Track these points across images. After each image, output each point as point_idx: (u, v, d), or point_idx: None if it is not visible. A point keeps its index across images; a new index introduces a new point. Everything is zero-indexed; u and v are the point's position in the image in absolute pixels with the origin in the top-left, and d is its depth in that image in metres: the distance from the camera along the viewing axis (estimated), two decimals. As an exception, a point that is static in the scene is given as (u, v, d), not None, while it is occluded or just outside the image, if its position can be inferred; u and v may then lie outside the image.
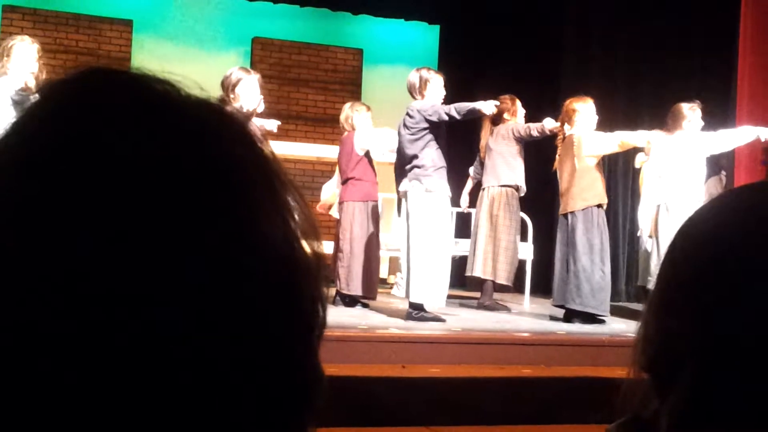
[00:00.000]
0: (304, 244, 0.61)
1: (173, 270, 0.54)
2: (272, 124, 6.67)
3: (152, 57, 10.52)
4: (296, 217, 0.61)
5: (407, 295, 6.68)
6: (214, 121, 0.60)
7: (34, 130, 0.58)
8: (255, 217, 0.58)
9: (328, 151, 10.30)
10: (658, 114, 8.78)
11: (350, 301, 7.36)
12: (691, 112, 7.11)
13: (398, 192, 6.90)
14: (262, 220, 0.58)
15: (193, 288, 0.55)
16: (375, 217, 7.52)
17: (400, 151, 6.81)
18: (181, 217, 0.55)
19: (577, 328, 6.72)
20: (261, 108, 6.25)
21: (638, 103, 9.72)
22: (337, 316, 6.27)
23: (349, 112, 7.74)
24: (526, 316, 7.53)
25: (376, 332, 5.98)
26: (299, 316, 0.60)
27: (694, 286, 0.78)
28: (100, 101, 0.58)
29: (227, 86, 6.19)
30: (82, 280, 0.53)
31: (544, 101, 9.23)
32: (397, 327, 6.26)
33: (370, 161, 7.57)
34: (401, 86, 10.91)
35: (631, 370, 0.82)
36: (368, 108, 7.77)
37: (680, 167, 6.99)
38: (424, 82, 6.87)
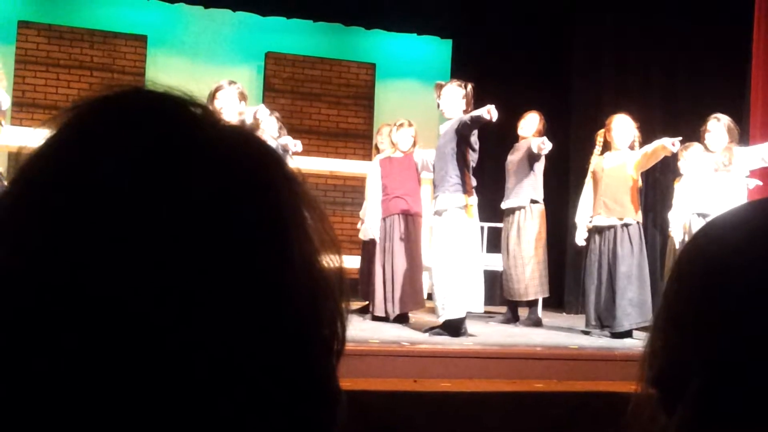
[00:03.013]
0: (326, 260, 0.63)
1: (200, 286, 0.56)
2: (296, 145, 6.71)
3: (166, 72, 10.56)
4: (320, 234, 0.62)
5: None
6: (244, 143, 0.62)
7: (74, 146, 0.59)
8: (281, 235, 0.60)
9: (341, 166, 10.31)
10: (671, 128, 8.77)
11: None
12: (712, 124, 7.05)
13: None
14: (288, 238, 0.60)
15: (217, 304, 0.56)
16: None
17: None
18: (210, 233, 0.56)
19: (590, 342, 6.71)
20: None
21: (651, 119, 9.71)
22: (348, 330, 6.26)
23: (391, 127, 7.85)
24: (538, 330, 7.51)
25: (387, 346, 5.97)
26: (320, 334, 0.61)
27: (700, 301, 0.77)
28: (139, 123, 0.60)
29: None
30: (126, 288, 0.54)
31: (556, 116, 9.24)
32: (408, 341, 6.26)
33: None
34: (414, 100, 10.98)
35: (639, 385, 0.82)
36: (410, 123, 7.77)
37: (708, 180, 6.92)
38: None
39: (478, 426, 5.00)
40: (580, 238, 7.36)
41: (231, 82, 6.25)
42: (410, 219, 7.46)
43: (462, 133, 6.63)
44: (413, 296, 7.34)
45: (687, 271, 0.80)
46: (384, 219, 7.55)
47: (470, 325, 6.71)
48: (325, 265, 0.62)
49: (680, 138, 6.81)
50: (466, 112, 6.79)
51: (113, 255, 0.54)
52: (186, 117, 0.61)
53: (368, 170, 8.14)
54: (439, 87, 6.93)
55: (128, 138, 0.58)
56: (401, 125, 7.71)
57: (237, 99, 6.18)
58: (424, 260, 7.49)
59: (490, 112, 6.37)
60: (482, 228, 8.59)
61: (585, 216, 7.33)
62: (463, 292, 6.53)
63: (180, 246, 0.55)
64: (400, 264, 7.35)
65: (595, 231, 7.16)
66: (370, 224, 7.76)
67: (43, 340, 0.54)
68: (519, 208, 7.73)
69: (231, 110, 6.07)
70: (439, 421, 4.98)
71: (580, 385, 5.57)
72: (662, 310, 0.82)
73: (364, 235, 8.00)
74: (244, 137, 0.62)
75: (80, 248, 0.54)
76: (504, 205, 7.84)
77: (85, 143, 0.59)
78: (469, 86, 6.90)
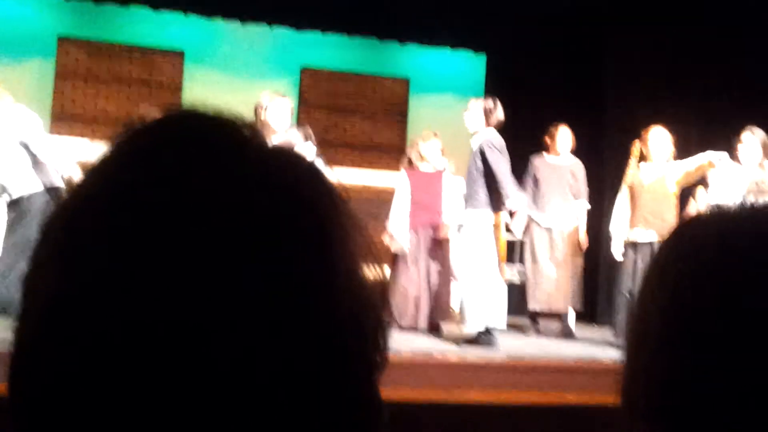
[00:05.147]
0: (369, 274, 0.65)
1: (245, 303, 0.57)
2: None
3: (203, 87, 10.67)
4: (362, 249, 0.64)
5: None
6: (291, 164, 0.64)
7: (132, 164, 0.61)
8: (326, 252, 0.61)
9: (375, 179, 10.35)
10: (706, 143, 8.71)
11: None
12: (744, 136, 7.00)
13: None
14: (333, 254, 0.61)
15: (262, 319, 0.57)
16: None
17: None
18: (257, 251, 0.58)
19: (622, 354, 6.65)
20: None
21: (686, 132, 9.64)
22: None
23: (417, 140, 7.92)
24: (571, 342, 7.48)
25: (419, 357, 5.98)
26: (363, 348, 0.62)
27: (673, 315, 0.76)
28: (191, 145, 0.62)
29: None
30: (177, 302, 0.56)
31: (590, 131, 9.22)
32: (440, 352, 6.26)
33: None
34: (448, 115, 10.99)
35: (620, 398, 0.82)
36: (435, 134, 7.87)
37: (737, 195, 6.84)
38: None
39: (510, 437, 4.99)
40: (617, 251, 7.26)
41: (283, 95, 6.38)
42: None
43: (483, 156, 6.72)
44: (443, 308, 7.38)
45: (693, 281, 0.77)
46: (414, 231, 7.60)
47: (501, 338, 6.71)
48: (368, 278, 0.64)
49: (726, 153, 6.75)
50: (487, 125, 6.85)
51: (163, 275, 0.56)
52: (236, 139, 0.63)
53: (397, 182, 8.14)
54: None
55: (180, 160, 0.60)
56: (428, 137, 7.80)
57: (289, 113, 6.33)
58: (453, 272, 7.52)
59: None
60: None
61: (621, 228, 7.28)
62: (488, 306, 6.56)
63: (228, 264, 0.56)
64: (432, 276, 7.40)
65: (632, 245, 7.10)
66: (398, 236, 7.75)
67: (100, 362, 0.55)
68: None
69: (284, 124, 6.20)
70: (470, 432, 4.98)
71: (613, 398, 5.53)
72: (636, 323, 0.81)
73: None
74: (290, 158, 0.64)
75: (132, 269, 0.56)
76: (547, 224, 7.83)
77: (137, 165, 0.60)
78: (489, 100, 6.95)
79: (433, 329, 7.40)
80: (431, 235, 7.51)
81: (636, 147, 7.27)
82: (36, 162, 6.40)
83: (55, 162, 6.37)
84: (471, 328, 6.62)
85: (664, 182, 7.02)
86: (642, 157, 7.23)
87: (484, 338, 6.56)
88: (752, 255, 0.74)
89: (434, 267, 7.43)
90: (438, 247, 7.49)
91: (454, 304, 6.86)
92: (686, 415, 0.73)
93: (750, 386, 0.70)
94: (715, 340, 0.72)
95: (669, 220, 6.93)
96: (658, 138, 7.14)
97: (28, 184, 6.40)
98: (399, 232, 7.69)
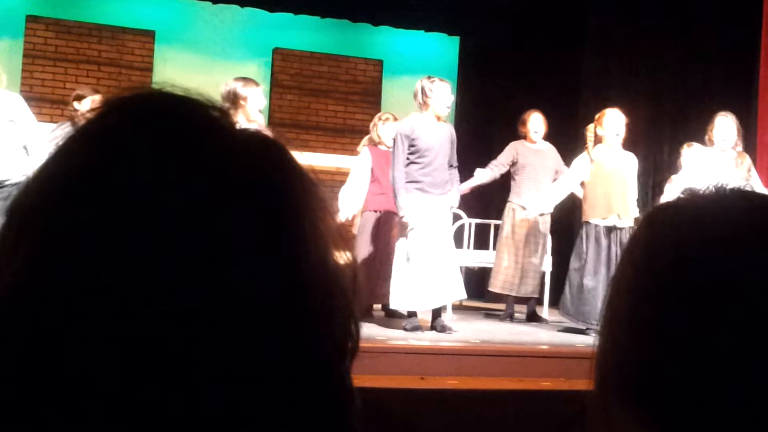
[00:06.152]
0: (339, 258, 0.64)
1: (216, 285, 0.56)
2: None
3: (174, 67, 10.57)
4: (332, 233, 0.63)
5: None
6: (261, 145, 0.63)
7: (99, 142, 0.60)
8: (296, 234, 0.60)
9: (348, 162, 10.27)
10: (679, 127, 8.75)
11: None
12: (719, 120, 7.02)
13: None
14: (303, 237, 0.60)
15: (233, 301, 0.56)
16: None
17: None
18: (227, 234, 0.57)
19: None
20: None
21: (660, 116, 9.68)
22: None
23: (376, 121, 7.84)
24: (546, 328, 7.50)
25: (394, 343, 5.96)
26: (333, 333, 0.62)
27: (644, 298, 0.75)
28: (163, 123, 0.61)
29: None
30: (136, 279, 0.55)
31: (564, 115, 9.21)
32: (415, 338, 6.25)
33: None
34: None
35: (595, 384, 0.81)
36: (395, 118, 7.80)
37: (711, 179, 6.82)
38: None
39: (485, 424, 4.99)
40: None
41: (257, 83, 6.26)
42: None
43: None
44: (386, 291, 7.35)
45: (643, 265, 0.77)
46: (376, 212, 7.53)
47: (475, 324, 6.73)
48: (338, 263, 0.63)
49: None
50: (420, 105, 6.91)
51: (129, 251, 0.55)
52: (206, 120, 0.62)
53: (359, 159, 7.95)
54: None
55: (149, 139, 0.59)
56: (387, 119, 7.77)
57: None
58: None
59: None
60: (470, 224, 8.66)
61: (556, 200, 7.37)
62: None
63: (193, 243, 0.56)
64: (386, 258, 7.35)
65: (607, 230, 7.08)
66: (349, 208, 7.43)
67: (63, 341, 0.54)
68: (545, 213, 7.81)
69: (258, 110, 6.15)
70: (445, 419, 4.97)
71: (589, 383, 5.54)
72: (623, 304, 0.79)
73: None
74: (261, 139, 0.63)
75: (99, 245, 0.55)
76: (544, 210, 7.76)
77: (104, 143, 0.59)
78: (422, 81, 6.94)
79: (389, 315, 7.37)
80: (392, 220, 7.40)
81: (590, 131, 7.23)
82: (24, 147, 6.29)
83: (42, 147, 6.25)
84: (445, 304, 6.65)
85: (627, 167, 7.05)
86: (596, 140, 7.21)
87: (440, 323, 6.58)
88: (725, 239, 0.74)
89: (389, 250, 7.38)
90: (393, 230, 7.42)
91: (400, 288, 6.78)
92: (660, 397, 0.73)
93: (719, 369, 0.70)
94: (687, 323, 0.72)
95: (635, 204, 7.01)
96: (614, 120, 7.13)
97: (16, 169, 6.25)
98: (348, 204, 7.41)
